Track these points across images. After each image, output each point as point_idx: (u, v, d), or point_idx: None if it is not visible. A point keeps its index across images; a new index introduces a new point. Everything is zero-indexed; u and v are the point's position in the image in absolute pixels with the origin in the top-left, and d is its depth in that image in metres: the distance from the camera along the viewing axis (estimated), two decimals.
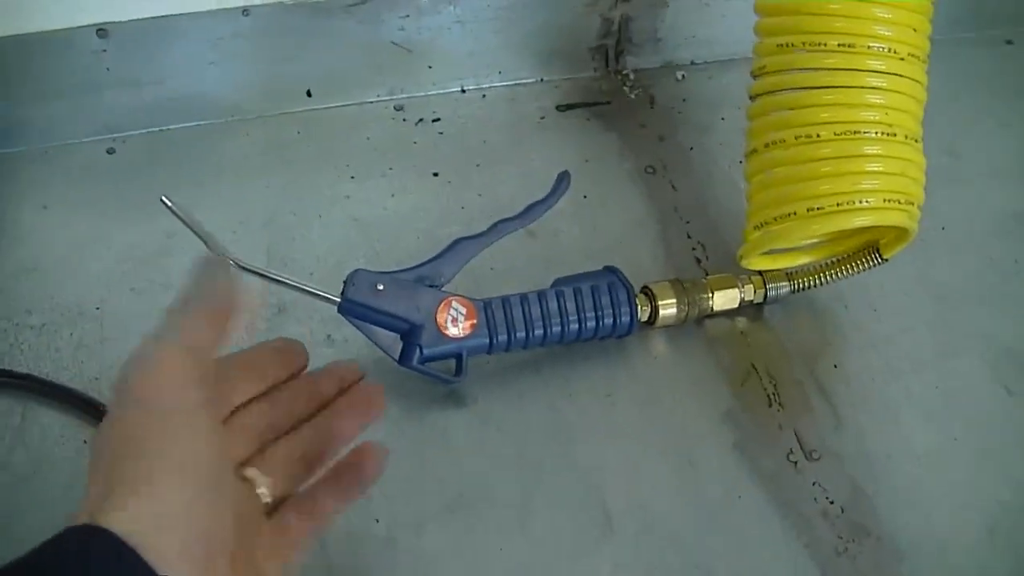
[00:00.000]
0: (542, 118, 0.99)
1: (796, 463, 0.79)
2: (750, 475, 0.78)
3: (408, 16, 0.94)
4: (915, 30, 0.78)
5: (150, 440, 0.51)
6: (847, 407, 0.82)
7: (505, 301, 0.78)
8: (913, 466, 0.79)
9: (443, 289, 0.76)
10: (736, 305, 0.84)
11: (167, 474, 0.50)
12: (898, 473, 0.79)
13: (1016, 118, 1.04)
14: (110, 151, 0.95)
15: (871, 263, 0.84)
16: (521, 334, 0.78)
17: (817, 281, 0.85)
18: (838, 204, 0.77)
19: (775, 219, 0.80)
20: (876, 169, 0.77)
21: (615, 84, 1.02)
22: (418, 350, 0.75)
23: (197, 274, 0.57)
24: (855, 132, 0.77)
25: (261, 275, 0.71)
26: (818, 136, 0.77)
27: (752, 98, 0.82)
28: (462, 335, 0.76)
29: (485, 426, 0.79)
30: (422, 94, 1.00)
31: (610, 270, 0.81)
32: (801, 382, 0.83)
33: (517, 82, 1.02)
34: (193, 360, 0.54)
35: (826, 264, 0.85)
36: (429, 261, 0.77)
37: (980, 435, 0.82)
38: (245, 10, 0.91)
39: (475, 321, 0.77)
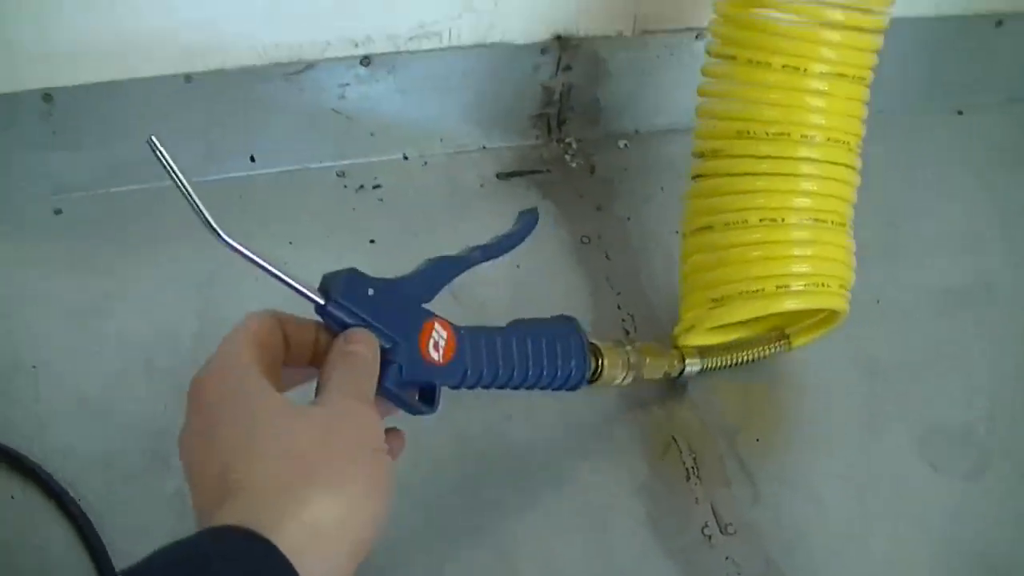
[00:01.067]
0: (481, 186, 1.00)
1: (710, 537, 0.79)
2: (663, 548, 0.78)
3: (348, 84, 0.96)
4: (850, 116, 0.80)
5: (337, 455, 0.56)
6: (766, 482, 0.82)
7: (483, 333, 0.72)
8: (830, 543, 0.80)
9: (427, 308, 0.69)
10: (659, 376, 0.85)
11: (337, 492, 0.55)
12: (814, 550, 0.79)
13: (960, 191, 1.06)
14: (57, 211, 0.96)
15: (779, 348, 0.86)
16: (491, 373, 0.72)
17: (727, 362, 0.86)
18: (771, 287, 0.79)
19: (711, 301, 0.82)
20: (807, 254, 0.80)
21: (557, 153, 1.03)
22: (398, 371, 0.66)
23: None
24: (786, 219, 0.79)
25: (244, 255, 0.63)
26: (753, 221, 0.80)
27: (692, 179, 0.84)
28: (442, 362, 0.68)
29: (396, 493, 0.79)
30: (364, 161, 1.01)
31: (567, 319, 0.78)
32: (722, 456, 0.84)
33: (459, 150, 1.03)
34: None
35: (735, 346, 0.87)
36: (413, 275, 0.70)
37: (901, 513, 0.82)
38: (188, 76, 0.92)
39: (454, 349, 0.69)
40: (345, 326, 0.64)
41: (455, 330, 0.69)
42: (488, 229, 0.95)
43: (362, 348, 0.63)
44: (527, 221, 0.77)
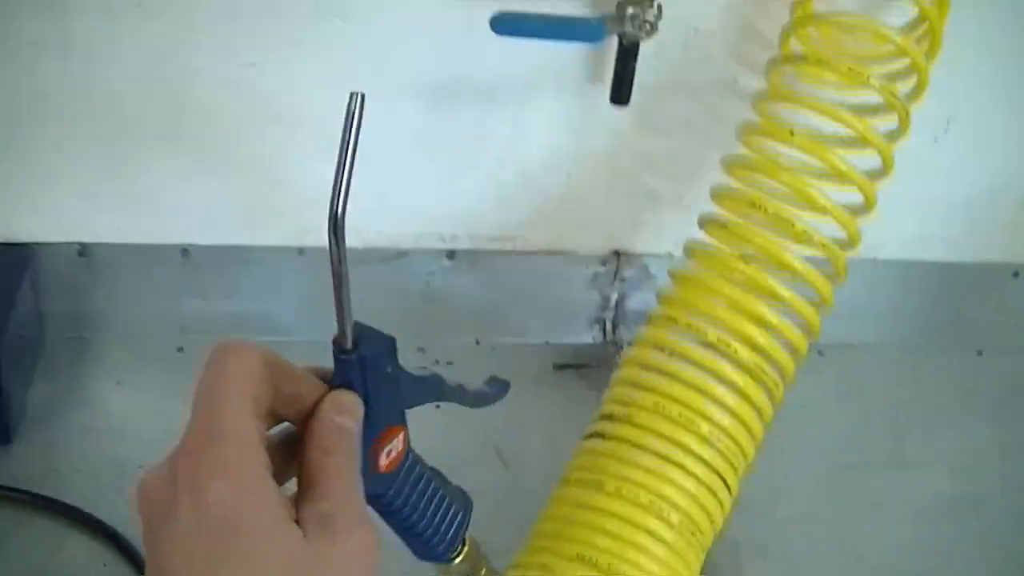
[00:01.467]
0: (539, 374, 1.15)
1: None
2: None
3: (434, 273, 1.13)
4: (752, 434, 0.90)
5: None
6: None
7: (418, 464, 0.66)
8: None
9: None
10: None
11: None
12: None
13: (968, 420, 1.17)
14: (180, 349, 1.13)
15: None
16: (402, 501, 0.65)
17: None
18: (606, 563, 0.83)
19: (549, 549, 0.86)
20: (659, 553, 0.84)
21: (608, 352, 1.17)
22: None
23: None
24: (657, 508, 0.85)
25: (334, 256, 0.58)
26: (625, 495, 0.85)
27: (588, 436, 0.93)
28: (383, 470, 0.62)
29: None
30: (441, 341, 1.16)
31: (465, 495, 0.73)
32: None
33: (524, 342, 1.18)
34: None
35: None
36: (417, 378, 0.66)
37: None
38: (301, 250, 1.10)
39: (394, 466, 0.63)
40: (347, 386, 0.60)
41: (408, 449, 0.64)
42: (536, 409, 1.09)
43: (353, 425, 0.58)
44: (499, 387, 0.75)
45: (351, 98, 0.53)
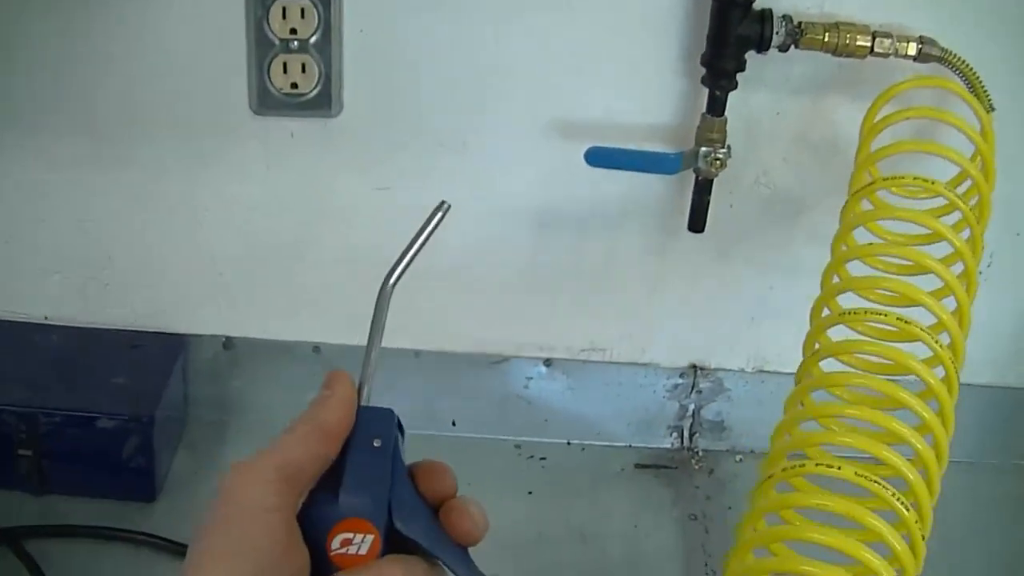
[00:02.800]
0: (622, 470, 1.29)
1: None
2: None
3: (532, 378, 1.28)
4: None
5: (219, 526, 0.54)
6: None
7: None
8: None
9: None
10: None
11: (221, 558, 0.53)
12: None
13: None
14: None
15: None
16: None
17: None
18: None
19: None
20: None
21: (685, 456, 1.31)
22: (315, 507, 0.57)
23: (320, 394, 0.60)
24: None
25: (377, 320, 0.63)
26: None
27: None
28: (331, 558, 0.56)
29: None
30: (536, 439, 1.30)
31: None
32: None
33: (610, 444, 1.31)
34: (279, 471, 0.56)
35: None
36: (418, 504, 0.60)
37: None
38: (417, 352, 1.26)
39: (350, 566, 0.56)
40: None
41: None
42: (617, 502, 1.23)
43: (327, 393, 0.60)
44: None
45: (440, 204, 0.61)
